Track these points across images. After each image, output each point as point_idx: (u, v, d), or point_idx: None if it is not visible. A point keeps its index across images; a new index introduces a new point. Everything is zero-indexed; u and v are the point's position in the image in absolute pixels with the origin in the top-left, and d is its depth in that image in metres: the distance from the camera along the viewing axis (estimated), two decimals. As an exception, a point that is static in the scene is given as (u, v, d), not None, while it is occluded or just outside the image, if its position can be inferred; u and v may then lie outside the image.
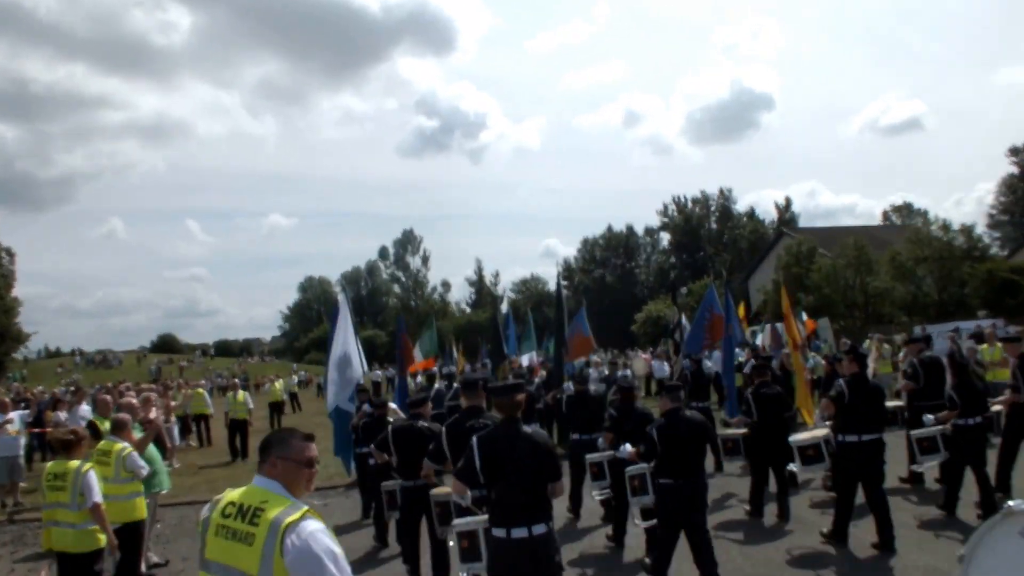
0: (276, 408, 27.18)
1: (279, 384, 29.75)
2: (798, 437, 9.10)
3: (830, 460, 8.75)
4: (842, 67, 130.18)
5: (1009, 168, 71.55)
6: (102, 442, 8.17)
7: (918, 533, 8.56)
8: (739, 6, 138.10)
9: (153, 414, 11.76)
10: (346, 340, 12.70)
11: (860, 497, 8.34)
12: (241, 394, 20.45)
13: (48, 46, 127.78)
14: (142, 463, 8.02)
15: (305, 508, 3.09)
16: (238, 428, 19.20)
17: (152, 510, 9.13)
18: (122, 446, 7.98)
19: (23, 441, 14.82)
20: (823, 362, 16.52)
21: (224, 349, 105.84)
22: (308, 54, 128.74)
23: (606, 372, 19.96)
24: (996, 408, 9.90)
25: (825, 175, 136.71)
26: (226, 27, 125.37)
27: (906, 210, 77.18)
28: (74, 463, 6.69)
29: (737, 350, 16.04)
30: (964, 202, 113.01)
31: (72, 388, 23.93)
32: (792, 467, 9.21)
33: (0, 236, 70.89)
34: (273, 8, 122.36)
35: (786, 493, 9.80)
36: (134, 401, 14.44)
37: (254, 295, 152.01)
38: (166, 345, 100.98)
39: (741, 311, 13.00)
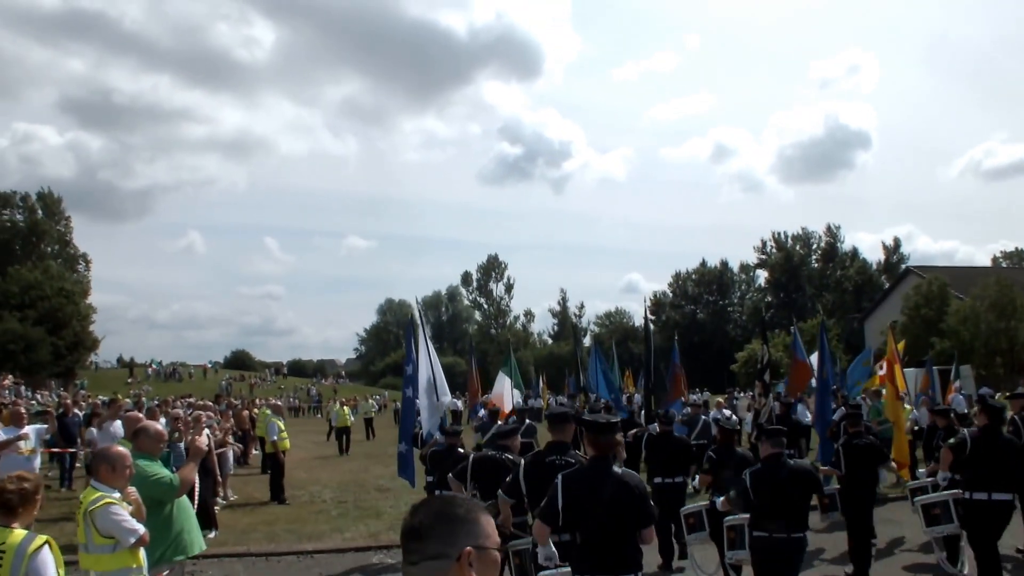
0: (343, 433, 26.94)
1: (347, 409, 29.66)
2: (924, 495, 8.89)
3: (959, 522, 8.37)
4: (944, 106, 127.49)
5: None
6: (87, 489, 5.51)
7: None
8: (836, 39, 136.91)
9: (204, 440, 11.18)
10: (430, 362, 12.77)
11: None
12: (346, 408, 28.11)
13: (132, 57, 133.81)
14: (126, 520, 5.17)
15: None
16: (343, 433, 25.94)
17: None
18: (94, 497, 5.23)
19: (38, 462, 12.44)
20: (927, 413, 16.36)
21: (298, 369, 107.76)
22: (392, 75, 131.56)
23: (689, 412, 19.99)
24: None
25: (922, 219, 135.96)
26: (310, 44, 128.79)
27: (1017, 256, 74.93)
28: (17, 535, 4.33)
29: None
30: None
31: (110, 399, 20.83)
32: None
33: (78, 243, 74.82)
34: (358, 27, 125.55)
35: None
36: (181, 412, 14.20)
37: (330, 316, 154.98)
38: (239, 362, 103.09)
39: (891, 351, 12.94)
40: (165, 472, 6.18)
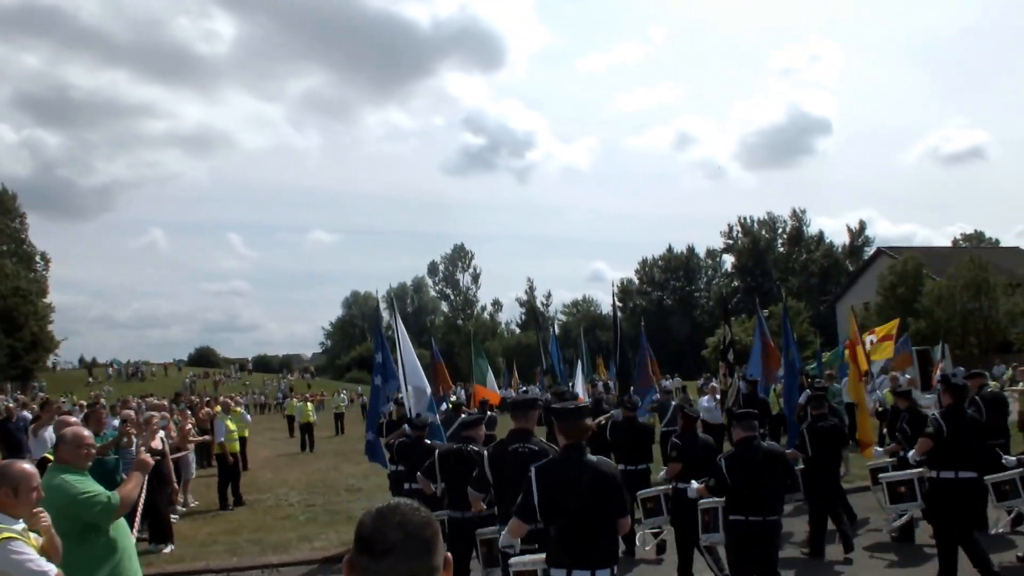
0: (306, 430, 26.44)
1: (309, 405, 28.86)
2: (889, 472, 9.08)
3: (923, 500, 8.56)
4: (902, 94, 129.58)
5: None
6: None
7: None
8: (797, 30, 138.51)
9: (157, 443, 10.37)
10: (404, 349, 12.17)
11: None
12: (309, 404, 27.65)
13: (90, 52, 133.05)
14: (31, 559, 3.96)
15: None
16: (306, 429, 25.69)
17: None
18: None
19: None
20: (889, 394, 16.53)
21: (263, 365, 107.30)
22: (354, 68, 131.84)
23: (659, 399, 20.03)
24: None
25: (882, 204, 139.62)
26: (271, 38, 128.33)
27: (976, 239, 76.29)
28: None
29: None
30: None
31: (43, 401, 18.69)
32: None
33: (36, 242, 73.61)
34: (319, 20, 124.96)
35: (845, 524, 9.67)
36: (132, 412, 12.73)
37: (295, 311, 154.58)
38: (203, 359, 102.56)
39: (853, 333, 13.05)
40: (98, 489, 5.05)
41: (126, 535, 5.28)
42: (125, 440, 9.77)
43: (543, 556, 5.02)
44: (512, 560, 5.46)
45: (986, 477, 9.06)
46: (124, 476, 5.98)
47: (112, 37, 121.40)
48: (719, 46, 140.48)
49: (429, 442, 9.56)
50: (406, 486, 9.47)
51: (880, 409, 15.20)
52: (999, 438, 10.19)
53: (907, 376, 18.55)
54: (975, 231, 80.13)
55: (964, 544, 7.85)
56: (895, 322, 19.76)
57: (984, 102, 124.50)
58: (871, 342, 18.34)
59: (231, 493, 14.87)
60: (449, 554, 1.92)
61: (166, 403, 20.30)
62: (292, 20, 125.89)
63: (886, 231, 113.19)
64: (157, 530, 11.19)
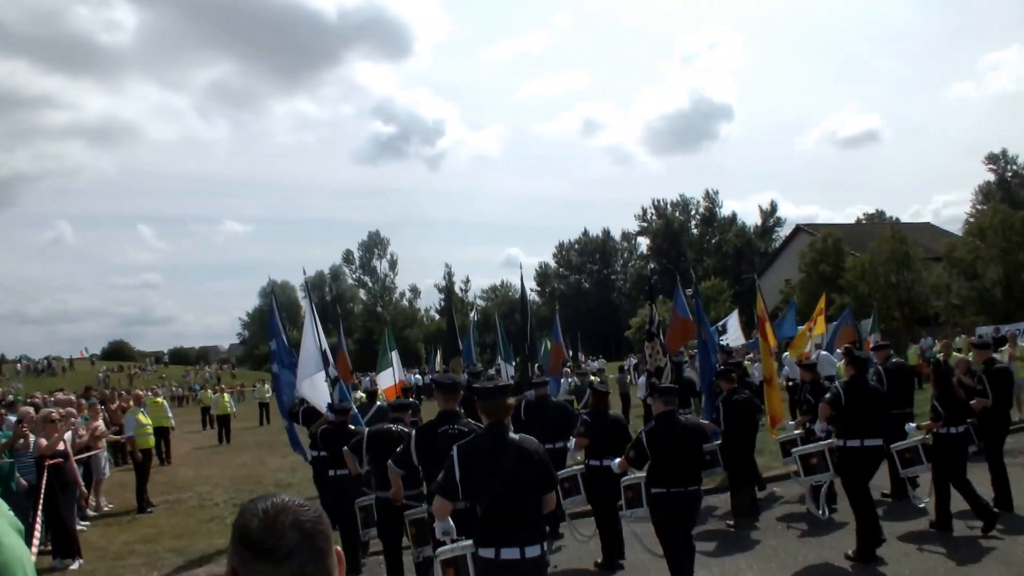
0: (223, 422, 25.82)
1: (226, 396, 27.99)
2: (801, 447, 9.34)
3: (834, 470, 8.85)
4: (801, 80, 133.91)
5: (986, 175, 75.08)
6: None
7: (903, 546, 8.60)
8: (699, 17, 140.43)
9: (60, 444, 9.52)
10: (316, 337, 11.76)
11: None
12: (226, 396, 26.72)
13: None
14: None
15: None
16: (223, 421, 25.24)
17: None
18: None
19: None
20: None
21: (180, 357, 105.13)
22: (260, 57, 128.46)
23: (576, 383, 20.15)
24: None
25: (783, 186, 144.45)
26: (174, 27, 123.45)
27: (878, 218, 78.90)
28: None
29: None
30: (921, 214, 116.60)
31: None
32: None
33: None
34: (223, 9, 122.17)
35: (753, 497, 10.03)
36: (31, 411, 11.57)
37: (210, 302, 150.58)
38: (118, 353, 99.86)
39: (760, 309, 13.30)
40: None
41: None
42: (22, 441, 9.15)
43: (470, 542, 4.98)
44: (439, 550, 5.33)
45: (892, 445, 9.46)
46: (22, 481, 5.46)
47: (9, 27, 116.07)
48: (622, 33, 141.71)
49: (353, 427, 9.53)
50: (331, 472, 9.41)
51: (790, 384, 15.63)
52: (904, 407, 10.52)
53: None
54: (876, 211, 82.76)
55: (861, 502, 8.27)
56: (822, 297, 20.29)
57: (875, 88, 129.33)
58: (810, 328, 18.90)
59: (137, 498, 13.68)
60: (340, 550, 1.74)
61: (73, 398, 18.30)
62: (195, 9, 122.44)
63: (789, 213, 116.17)
64: (62, 542, 9.94)
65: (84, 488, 11.18)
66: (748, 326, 23.37)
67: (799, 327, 20.13)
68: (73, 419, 12.22)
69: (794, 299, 22.07)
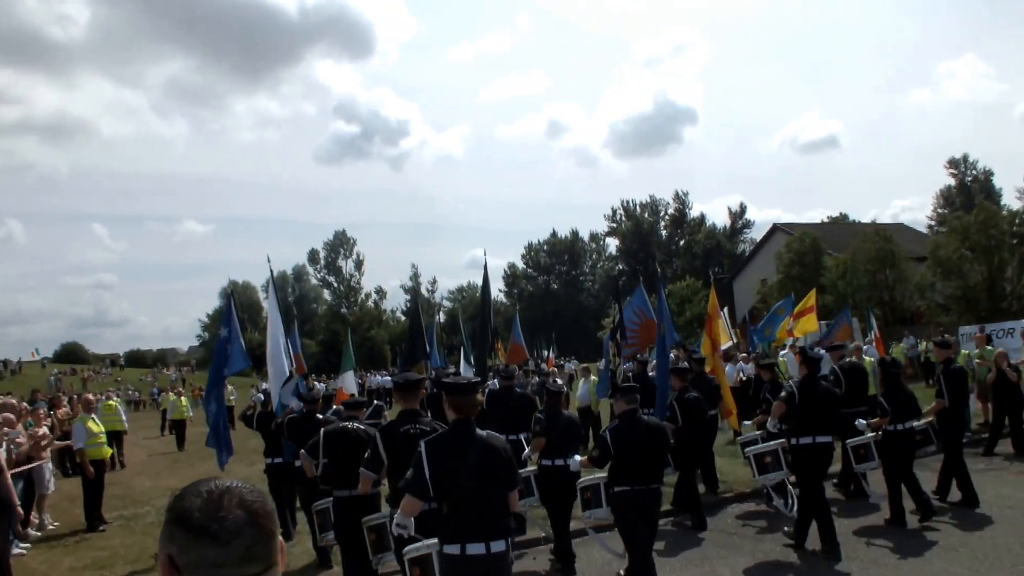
0: (178, 427, 25.33)
1: (184, 399, 27.18)
2: (754, 447, 9.59)
3: (788, 468, 9.17)
4: (764, 84, 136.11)
5: (947, 180, 77.11)
6: None
7: (853, 539, 8.93)
8: (662, 20, 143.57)
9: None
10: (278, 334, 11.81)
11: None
12: (183, 399, 26.48)
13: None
14: None
15: None
16: (179, 426, 25.03)
17: None
18: None
19: None
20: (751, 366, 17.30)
21: (136, 360, 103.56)
22: (218, 54, 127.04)
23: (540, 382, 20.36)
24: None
25: (747, 190, 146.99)
26: (128, 21, 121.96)
27: (842, 221, 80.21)
28: None
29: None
30: (880, 218, 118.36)
31: None
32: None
33: None
34: (179, 4, 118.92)
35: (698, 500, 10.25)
36: None
37: (168, 304, 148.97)
38: (71, 355, 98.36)
39: (712, 307, 13.60)
40: None
41: None
42: None
43: (435, 541, 5.05)
44: (406, 548, 5.40)
45: (847, 441, 9.90)
46: None
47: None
48: (585, 35, 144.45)
49: (321, 416, 9.59)
50: (296, 463, 9.25)
51: (744, 379, 16.07)
52: (859, 406, 10.79)
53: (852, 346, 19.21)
54: (840, 214, 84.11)
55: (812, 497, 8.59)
56: (811, 293, 20.52)
57: (836, 94, 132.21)
58: (791, 325, 19.11)
59: (85, 515, 12.35)
60: (283, 540, 1.67)
61: (15, 402, 16.84)
62: (151, 3, 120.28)
63: (752, 217, 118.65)
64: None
65: (20, 509, 10.01)
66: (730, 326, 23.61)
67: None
68: (8, 428, 11.61)
69: (791, 295, 22.20)
